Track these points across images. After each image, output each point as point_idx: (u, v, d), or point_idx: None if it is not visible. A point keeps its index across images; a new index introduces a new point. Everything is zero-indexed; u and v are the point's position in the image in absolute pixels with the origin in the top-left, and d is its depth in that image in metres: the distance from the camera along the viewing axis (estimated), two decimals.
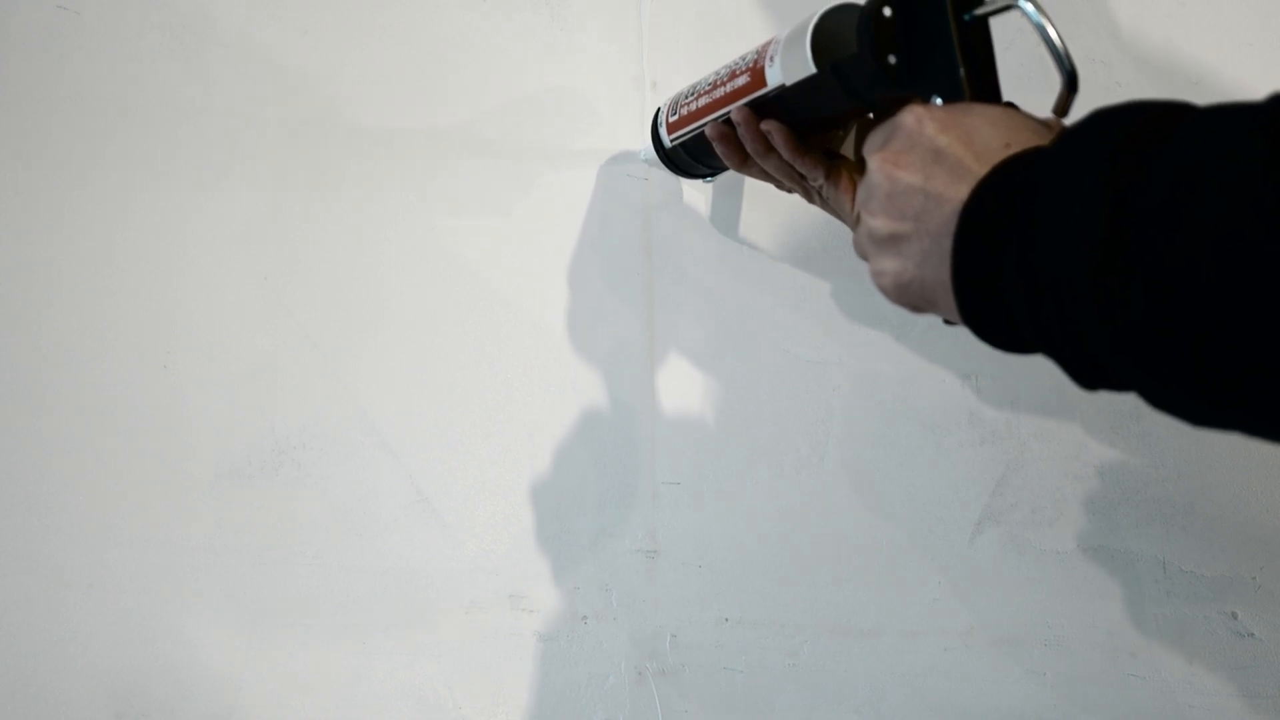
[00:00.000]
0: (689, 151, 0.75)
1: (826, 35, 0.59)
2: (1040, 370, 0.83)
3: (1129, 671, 0.81)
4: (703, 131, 0.71)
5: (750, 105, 0.65)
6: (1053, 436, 0.83)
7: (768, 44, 0.63)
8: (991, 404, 0.83)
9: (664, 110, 0.77)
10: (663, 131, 0.77)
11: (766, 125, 0.65)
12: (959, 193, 0.46)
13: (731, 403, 0.81)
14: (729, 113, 0.67)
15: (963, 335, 0.59)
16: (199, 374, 0.76)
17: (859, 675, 0.79)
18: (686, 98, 0.73)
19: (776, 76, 0.62)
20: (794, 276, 0.86)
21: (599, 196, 0.84)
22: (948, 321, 0.52)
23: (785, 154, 0.65)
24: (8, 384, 0.74)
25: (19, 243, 0.76)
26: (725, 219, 0.85)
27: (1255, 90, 0.94)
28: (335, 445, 0.77)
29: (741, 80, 0.65)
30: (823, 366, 0.82)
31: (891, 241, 0.49)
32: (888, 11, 0.54)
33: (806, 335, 0.82)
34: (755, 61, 0.64)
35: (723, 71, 0.68)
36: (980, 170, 0.46)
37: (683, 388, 0.81)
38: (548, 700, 0.76)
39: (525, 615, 0.76)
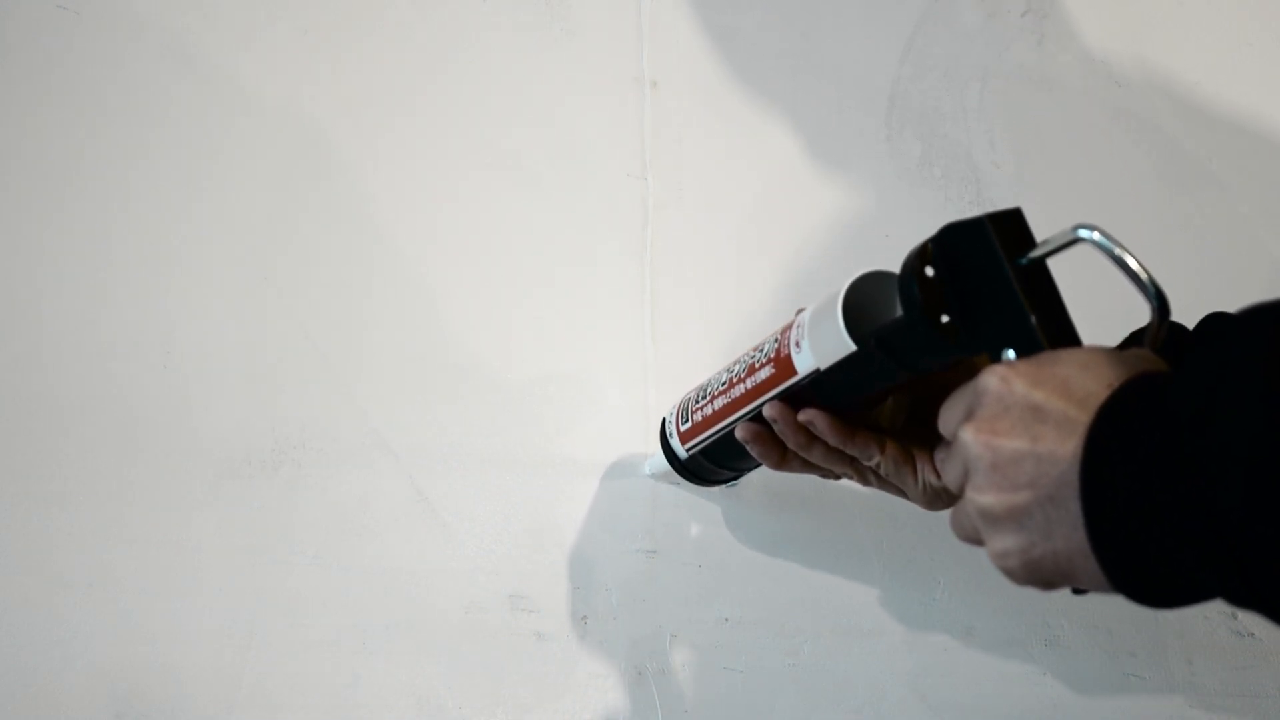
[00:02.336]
0: (710, 458, 0.69)
1: (858, 309, 0.55)
2: None
3: (1129, 671, 0.81)
4: (728, 435, 0.64)
5: (781, 398, 0.59)
6: None
7: (787, 329, 0.59)
8: None
9: (671, 419, 0.71)
10: (675, 442, 0.71)
11: (806, 415, 0.59)
12: (1072, 447, 0.42)
13: None
14: (755, 411, 0.61)
15: None
16: (198, 373, 0.76)
17: (859, 675, 0.79)
18: (698, 402, 0.68)
19: (808, 362, 0.57)
20: (794, 276, 0.86)
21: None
22: (1078, 591, 0.47)
23: (833, 441, 0.59)
24: (6, 383, 0.74)
25: (18, 242, 0.76)
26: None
27: (1254, 91, 0.93)
28: (335, 445, 0.77)
29: (764, 373, 0.60)
30: None
31: (1010, 516, 0.44)
32: (930, 271, 0.49)
33: None
34: (777, 351, 0.59)
35: (737, 369, 0.63)
36: (1088, 418, 0.42)
37: (683, 388, 0.81)
38: (547, 700, 0.76)
39: (525, 615, 0.76)
